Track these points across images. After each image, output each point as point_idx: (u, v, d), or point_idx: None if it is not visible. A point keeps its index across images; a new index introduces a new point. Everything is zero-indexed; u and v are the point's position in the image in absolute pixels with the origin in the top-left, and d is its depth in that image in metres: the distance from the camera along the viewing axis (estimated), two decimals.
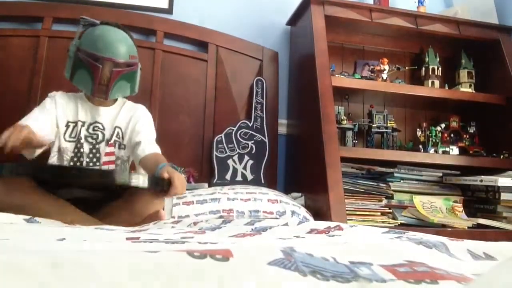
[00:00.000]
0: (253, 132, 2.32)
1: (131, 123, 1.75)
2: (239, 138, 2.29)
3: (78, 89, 1.74)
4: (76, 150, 1.66)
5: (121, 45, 1.66)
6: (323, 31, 2.25)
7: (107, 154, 1.69)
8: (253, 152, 2.28)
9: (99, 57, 1.61)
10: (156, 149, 1.70)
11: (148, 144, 1.68)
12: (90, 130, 1.71)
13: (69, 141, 1.68)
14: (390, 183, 2.23)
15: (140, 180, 1.34)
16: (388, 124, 2.42)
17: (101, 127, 1.72)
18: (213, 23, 2.50)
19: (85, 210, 1.44)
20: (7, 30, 2.29)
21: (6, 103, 2.17)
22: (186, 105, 2.37)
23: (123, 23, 2.32)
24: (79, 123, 1.70)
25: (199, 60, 2.43)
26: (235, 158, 2.26)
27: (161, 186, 1.41)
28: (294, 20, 2.54)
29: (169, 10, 2.49)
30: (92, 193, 1.51)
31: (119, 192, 1.47)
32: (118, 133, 1.73)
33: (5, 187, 1.34)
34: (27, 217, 1.25)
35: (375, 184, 2.19)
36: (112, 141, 1.71)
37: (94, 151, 1.68)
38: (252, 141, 2.30)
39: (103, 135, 1.71)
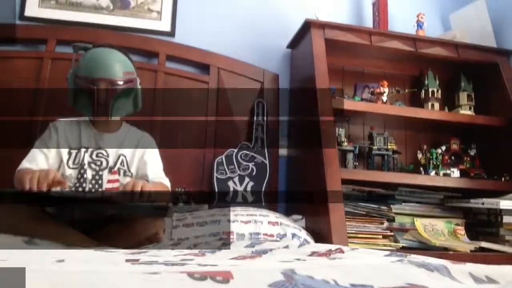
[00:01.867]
0: (253, 154, 2.32)
1: (137, 152, 1.75)
2: (240, 160, 2.30)
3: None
4: (79, 176, 1.64)
5: (113, 63, 1.65)
6: (323, 54, 2.27)
7: (110, 181, 1.67)
8: (253, 174, 2.28)
9: (92, 79, 1.61)
10: (162, 179, 1.72)
11: (154, 176, 1.71)
12: (94, 157, 1.68)
13: (73, 168, 1.65)
14: (391, 206, 2.22)
15: (141, 207, 1.37)
16: (389, 146, 2.43)
17: (104, 153, 1.70)
18: (214, 46, 2.53)
19: (85, 230, 1.45)
20: (12, 52, 2.32)
21: (10, 123, 2.17)
22: (187, 127, 2.37)
23: (126, 45, 2.35)
24: (82, 150, 1.68)
25: (201, 82, 2.45)
26: (236, 179, 2.25)
27: (161, 213, 1.47)
28: (294, 43, 2.57)
29: (172, 33, 2.53)
30: (92, 215, 1.51)
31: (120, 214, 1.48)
32: (122, 161, 1.71)
33: (3, 211, 1.34)
34: (26, 238, 1.25)
35: (376, 206, 2.18)
36: (115, 169, 1.69)
37: (97, 177, 1.66)
38: (253, 163, 2.30)
39: (107, 162, 1.69)
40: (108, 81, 1.62)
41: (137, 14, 2.52)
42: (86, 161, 1.66)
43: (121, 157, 1.71)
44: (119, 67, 1.65)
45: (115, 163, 1.69)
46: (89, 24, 2.44)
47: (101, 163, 1.68)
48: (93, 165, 1.67)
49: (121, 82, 1.65)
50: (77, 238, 1.39)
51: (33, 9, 2.43)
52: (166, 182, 1.73)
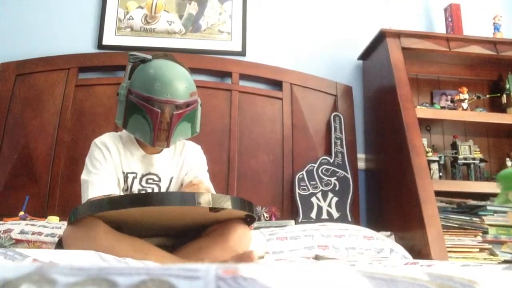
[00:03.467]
0: (335, 168, 2.27)
1: (183, 168, 1.55)
2: (321, 175, 2.25)
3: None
4: None
5: (180, 82, 1.40)
6: (401, 63, 2.22)
7: None
8: (336, 188, 2.22)
9: (157, 100, 1.37)
10: (207, 183, 1.50)
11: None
12: (143, 183, 1.49)
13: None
14: (483, 217, 2.10)
15: (224, 201, 1.18)
16: (474, 155, 2.32)
17: (156, 178, 1.50)
18: (285, 62, 2.54)
19: (168, 245, 1.35)
20: (93, 80, 2.41)
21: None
22: (264, 144, 2.37)
23: (199, 67, 2.41)
24: (130, 175, 1.48)
25: (274, 98, 2.45)
26: (319, 195, 2.21)
27: (246, 208, 1.27)
28: (366, 54, 2.52)
29: (243, 52, 2.55)
30: (168, 239, 1.41)
31: (197, 231, 1.35)
32: (171, 183, 1.53)
33: (79, 234, 1.20)
34: (118, 258, 1.12)
35: (468, 218, 2.07)
36: None
37: None
38: (335, 178, 2.25)
39: (159, 187, 1.50)
40: (174, 104, 1.39)
41: (208, 36, 2.57)
42: (135, 189, 1.47)
43: (172, 180, 1.53)
44: (186, 88, 1.41)
45: (167, 188, 1.52)
46: (163, 49, 2.50)
47: (153, 190, 1.49)
48: (143, 193, 1.48)
49: (187, 106, 1.43)
50: (162, 256, 1.24)
51: (110, 38, 2.53)
52: (212, 188, 1.52)
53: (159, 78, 1.37)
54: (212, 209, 1.19)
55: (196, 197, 1.13)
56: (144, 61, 1.44)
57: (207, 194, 1.16)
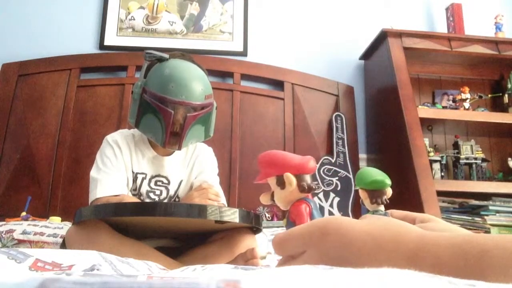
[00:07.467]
0: (336, 168, 2.27)
1: (194, 171, 1.53)
2: (323, 175, 2.25)
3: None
4: None
5: (196, 84, 1.37)
6: (403, 62, 2.22)
7: None
8: (338, 188, 2.22)
9: (170, 101, 1.35)
10: (216, 187, 1.49)
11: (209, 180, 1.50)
12: (152, 185, 1.47)
13: (133, 195, 1.46)
14: (485, 217, 2.10)
15: (231, 214, 1.16)
16: (476, 155, 2.31)
17: (165, 181, 1.49)
18: (287, 62, 2.54)
19: (171, 252, 1.30)
20: (95, 80, 2.42)
21: (96, 149, 2.24)
22: (265, 144, 2.36)
23: None
24: (140, 176, 1.46)
25: (276, 98, 2.45)
26: (321, 195, 2.21)
27: (252, 221, 1.25)
28: (368, 54, 2.52)
29: (244, 53, 2.55)
30: (174, 241, 1.39)
31: (203, 237, 1.33)
32: (181, 187, 1.52)
33: (82, 235, 1.19)
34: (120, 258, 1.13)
35: (470, 218, 2.07)
36: (175, 198, 1.50)
37: None
38: (337, 178, 2.25)
39: (167, 190, 1.48)
40: (189, 106, 1.37)
41: (209, 37, 2.57)
42: (144, 190, 1.46)
43: (182, 183, 1.51)
44: (202, 90, 1.38)
45: (176, 191, 1.50)
46: (165, 49, 2.49)
47: (161, 192, 1.48)
48: (151, 195, 1.46)
49: (202, 108, 1.41)
50: (164, 261, 1.19)
51: (111, 39, 2.53)
52: (221, 193, 1.52)
53: (174, 79, 1.35)
54: (218, 221, 1.17)
55: (202, 210, 1.11)
56: (160, 60, 1.41)
57: (214, 207, 1.14)
